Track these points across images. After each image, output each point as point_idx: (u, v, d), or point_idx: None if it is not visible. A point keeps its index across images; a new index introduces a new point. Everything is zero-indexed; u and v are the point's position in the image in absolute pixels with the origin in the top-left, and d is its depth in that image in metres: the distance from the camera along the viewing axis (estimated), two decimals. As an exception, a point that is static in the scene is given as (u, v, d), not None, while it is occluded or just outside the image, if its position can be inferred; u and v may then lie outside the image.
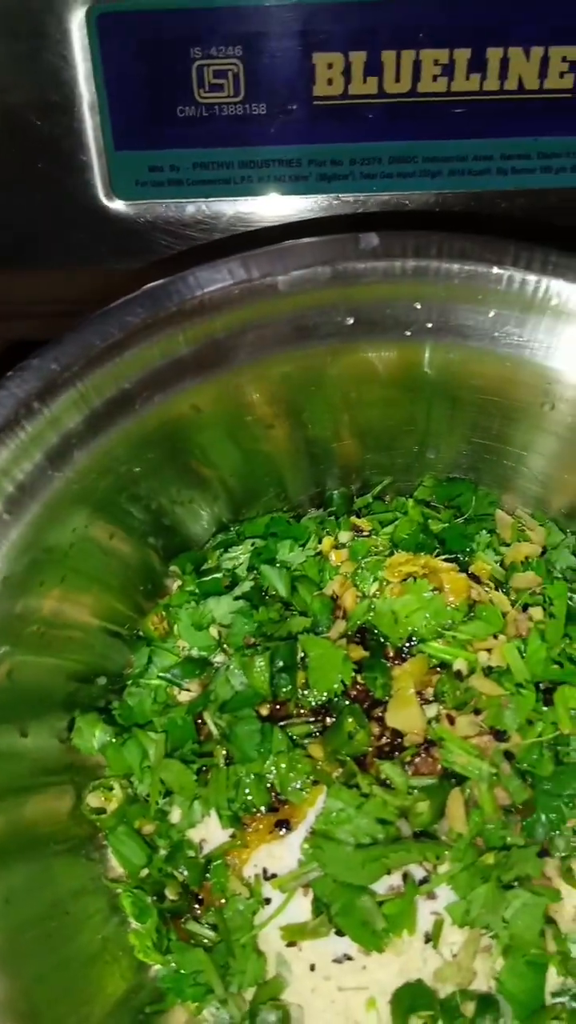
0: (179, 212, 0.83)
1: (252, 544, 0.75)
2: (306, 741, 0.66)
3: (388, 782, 0.64)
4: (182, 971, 0.63)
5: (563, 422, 0.69)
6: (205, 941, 0.64)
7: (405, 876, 0.63)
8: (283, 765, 0.65)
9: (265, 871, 0.65)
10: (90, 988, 0.62)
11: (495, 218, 0.82)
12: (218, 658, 0.71)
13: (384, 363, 0.70)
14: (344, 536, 0.76)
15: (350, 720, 0.65)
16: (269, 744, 0.65)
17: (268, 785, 0.65)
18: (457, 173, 0.80)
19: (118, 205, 0.82)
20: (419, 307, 0.67)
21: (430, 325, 0.67)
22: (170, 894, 0.64)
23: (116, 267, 0.84)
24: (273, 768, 0.65)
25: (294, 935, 0.63)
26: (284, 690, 0.67)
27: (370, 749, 0.66)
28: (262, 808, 0.65)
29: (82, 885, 0.65)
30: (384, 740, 0.66)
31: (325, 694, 0.67)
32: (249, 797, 0.65)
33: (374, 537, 0.75)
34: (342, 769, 0.64)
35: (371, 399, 0.72)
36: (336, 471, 0.79)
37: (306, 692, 0.67)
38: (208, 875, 0.64)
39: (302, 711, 0.68)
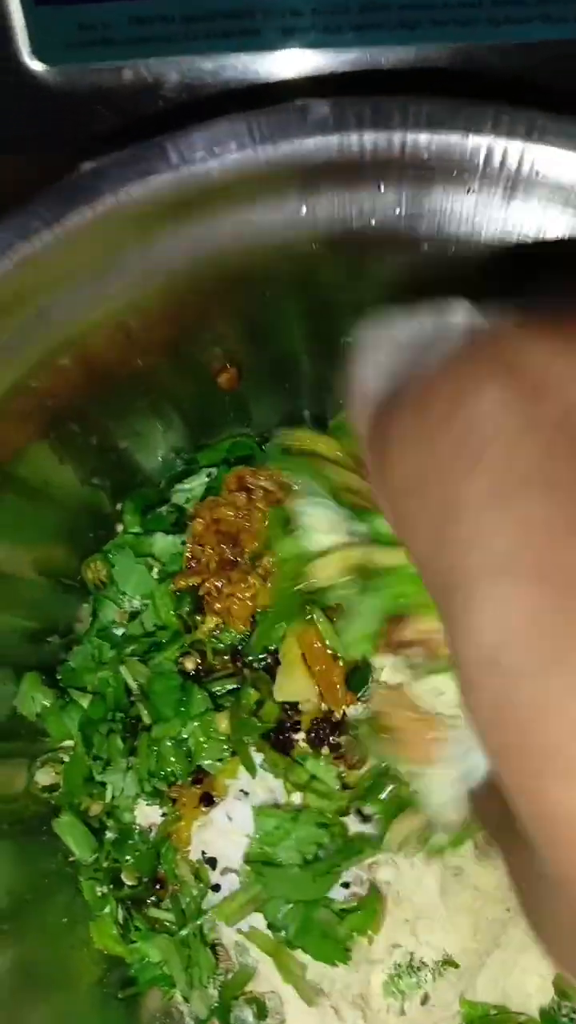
0: (115, 78, 0.69)
1: (208, 474, 0.65)
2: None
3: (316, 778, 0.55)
4: (148, 960, 0.58)
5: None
6: (171, 927, 0.58)
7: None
8: (199, 735, 0.57)
9: (203, 854, 0.59)
10: (60, 976, 0.58)
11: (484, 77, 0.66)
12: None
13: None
14: (314, 464, 0.65)
15: (252, 692, 0.57)
16: (189, 704, 0.57)
17: (186, 752, 0.58)
18: (439, 23, 0.65)
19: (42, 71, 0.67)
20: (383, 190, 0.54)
21: (398, 211, 0.54)
22: (127, 879, 0.59)
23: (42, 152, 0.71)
24: (190, 735, 0.57)
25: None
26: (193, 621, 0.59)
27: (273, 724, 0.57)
28: (187, 779, 0.58)
29: (41, 869, 0.60)
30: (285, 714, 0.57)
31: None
32: (171, 769, 0.58)
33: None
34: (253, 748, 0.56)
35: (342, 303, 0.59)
36: (306, 388, 0.67)
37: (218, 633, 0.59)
38: (160, 863, 0.58)
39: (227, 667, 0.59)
